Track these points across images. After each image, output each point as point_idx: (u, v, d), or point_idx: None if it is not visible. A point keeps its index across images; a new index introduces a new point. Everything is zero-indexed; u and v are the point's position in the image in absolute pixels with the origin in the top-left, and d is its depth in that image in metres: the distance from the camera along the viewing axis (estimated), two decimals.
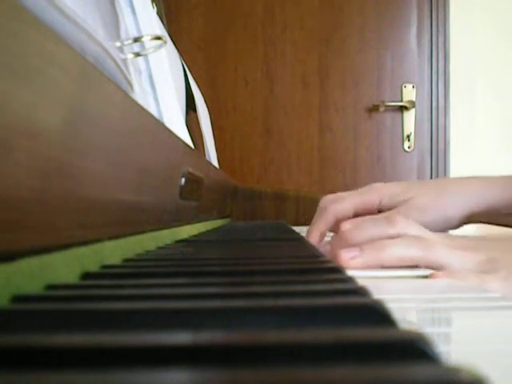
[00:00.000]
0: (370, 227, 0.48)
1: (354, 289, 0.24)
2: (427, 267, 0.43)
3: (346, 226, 0.50)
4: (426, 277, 0.41)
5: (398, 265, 0.44)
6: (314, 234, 0.64)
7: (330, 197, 0.67)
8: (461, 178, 0.70)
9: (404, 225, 0.47)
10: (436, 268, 0.43)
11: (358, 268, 0.43)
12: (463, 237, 0.48)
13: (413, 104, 2.00)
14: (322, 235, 0.64)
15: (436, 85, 2.02)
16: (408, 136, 2.01)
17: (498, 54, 2.02)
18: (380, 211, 0.64)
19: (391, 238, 0.46)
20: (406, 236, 0.46)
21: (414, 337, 0.14)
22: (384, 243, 0.45)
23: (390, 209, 0.64)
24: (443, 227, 0.64)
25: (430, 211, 0.63)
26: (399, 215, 0.49)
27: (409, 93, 2.01)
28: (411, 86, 2.02)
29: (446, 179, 0.70)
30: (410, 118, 2.02)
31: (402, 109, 2.02)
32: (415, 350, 0.14)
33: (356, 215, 0.63)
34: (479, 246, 0.45)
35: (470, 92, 2.02)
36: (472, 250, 0.44)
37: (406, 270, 0.43)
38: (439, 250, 0.44)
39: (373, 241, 0.46)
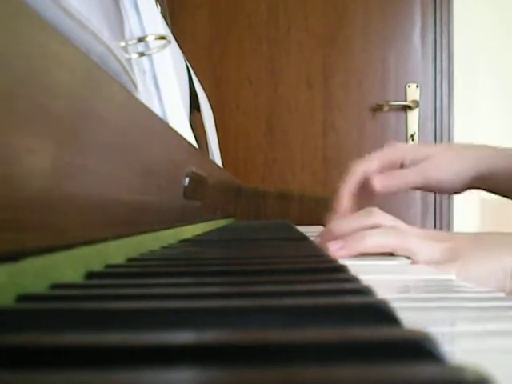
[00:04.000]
0: (351, 220, 0.54)
1: (358, 288, 0.24)
2: (402, 254, 0.49)
3: (332, 222, 0.57)
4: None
5: (376, 251, 0.49)
6: (346, 193, 0.71)
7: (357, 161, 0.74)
8: (477, 145, 0.75)
9: (380, 216, 0.53)
10: (409, 255, 0.48)
11: (344, 257, 0.48)
12: (434, 231, 0.53)
13: (417, 104, 2.00)
14: (353, 195, 0.71)
15: (440, 84, 2.02)
16: (412, 135, 2.01)
17: (502, 53, 2.02)
18: (402, 167, 0.71)
19: (371, 228, 0.51)
20: (383, 227, 0.51)
21: (419, 336, 0.14)
22: (364, 233, 0.50)
23: (412, 165, 0.71)
24: (456, 185, 0.71)
25: (449, 170, 0.70)
26: (376, 209, 0.54)
27: (413, 92, 2.01)
28: (415, 85, 2.01)
29: (464, 144, 0.76)
30: (413, 117, 2.02)
31: (406, 108, 2.01)
32: (420, 349, 0.14)
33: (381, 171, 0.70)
34: (446, 238, 0.49)
35: (473, 91, 2.02)
36: (439, 241, 0.49)
37: (387, 260, 0.48)
38: (412, 239, 0.49)
39: (355, 232, 0.51)
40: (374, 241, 0.49)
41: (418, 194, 2.00)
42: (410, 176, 0.70)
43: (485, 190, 0.75)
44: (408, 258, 0.49)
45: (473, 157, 0.70)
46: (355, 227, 0.52)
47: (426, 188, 0.72)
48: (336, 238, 0.51)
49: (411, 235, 0.49)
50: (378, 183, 0.68)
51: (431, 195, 2.01)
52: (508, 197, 0.74)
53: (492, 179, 0.70)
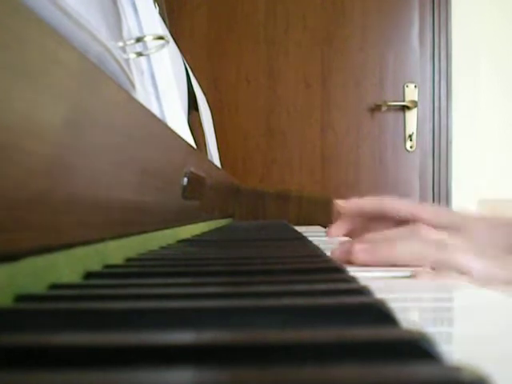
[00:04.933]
0: (391, 233, 0.47)
1: (356, 288, 0.24)
2: (444, 268, 0.41)
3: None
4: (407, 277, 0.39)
5: (408, 262, 0.41)
6: (353, 203, 0.63)
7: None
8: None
9: (427, 231, 0.45)
10: (454, 270, 0.40)
11: (366, 262, 0.42)
12: (464, 237, 0.46)
13: (415, 104, 2.00)
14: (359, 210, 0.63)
15: (438, 84, 2.02)
16: (410, 136, 2.01)
17: (501, 53, 2.02)
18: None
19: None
20: (425, 237, 0.43)
21: (417, 336, 0.15)
22: (393, 242, 0.43)
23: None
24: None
25: (481, 241, 0.57)
26: (425, 226, 0.46)
27: (411, 92, 2.01)
28: (413, 85, 2.01)
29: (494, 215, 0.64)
30: (412, 117, 2.02)
31: (404, 108, 2.01)
32: (418, 349, 0.14)
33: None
34: (504, 259, 0.42)
35: (472, 91, 2.02)
36: (494, 259, 0.41)
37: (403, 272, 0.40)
38: (456, 253, 0.41)
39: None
40: (405, 248, 0.42)
41: (417, 193, 2.00)
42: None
43: None
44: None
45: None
46: (391, 235, 0.45)
47: None
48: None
49: (456, 249, 0.41)
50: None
51: (429, 195, 2.01)
52: None
53: None
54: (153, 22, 0.70)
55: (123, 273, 0.33)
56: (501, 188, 1.99)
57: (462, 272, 0.40)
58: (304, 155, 2.03)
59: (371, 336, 0.15)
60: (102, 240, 0.36)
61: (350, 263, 0.43)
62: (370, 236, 0.47)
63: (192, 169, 0.64)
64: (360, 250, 0.42)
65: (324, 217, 1.39)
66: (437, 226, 0.52)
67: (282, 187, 1.86)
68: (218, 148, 1.45)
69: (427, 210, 0.58)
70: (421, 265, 0.41)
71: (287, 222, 1.20)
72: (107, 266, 0.35)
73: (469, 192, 2.00)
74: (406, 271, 0.40)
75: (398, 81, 2.02)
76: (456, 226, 0.55)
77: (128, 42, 0.50)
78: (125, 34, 0.51)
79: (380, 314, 0.19)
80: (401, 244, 0.42)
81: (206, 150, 1.22)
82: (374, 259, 0.42)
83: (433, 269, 0.41)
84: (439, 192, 2.00)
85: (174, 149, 0.57)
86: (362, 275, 0.38)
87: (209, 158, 1.19)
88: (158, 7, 0.88)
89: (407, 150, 2.01)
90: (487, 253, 0.43)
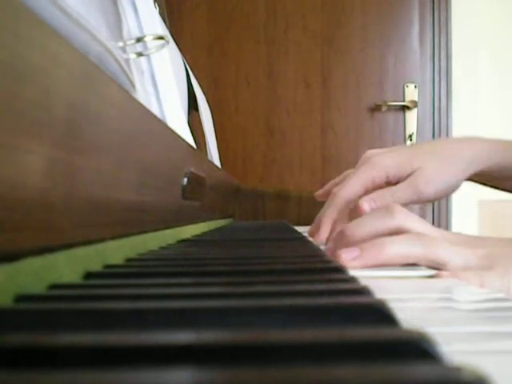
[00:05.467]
0: (369, 223, 0.47)
1: (356, 288, 0.24)
2: (428, 265, 0.43)
3: (347, 225, 0.49)
4: (429, 277, 0.40)
5: (398, 263, 0.43)
6: (327, 222, 0.64)
7: (335, 181, 0.67)
8: (462, 138, 0.70)
9: (403, 216, 0.46)
10: (438, 265, 0.42)
11: (359, 268, 0.42)
12: (463, 234, 0.48)
13: (415, 104, 2.00)
14: (336, 222, 0.64)
15: (438, 84, 2.02)
16: (410, 136, 2.01)
17: (500, 53, 2.02)
18: (388, 184, 0.66)
19: (391, 233, 0.45)
20: (407, 233, 0.45)
21: (417, 336, 0.15)
22: (383, 241, 0.43)
23: (398, 181, 0.65)
24: (448, 192, 0.66)
25: (438, 180, 0.64)
26: (398, 206, 0.48)
27: (411, 92, 2.01)
28: (413, 85, 2.02)
29: (448, 141, 0.70)
30: (412, 117, 2.02)
31: (404, 108, 2.01)
32: (418, 349, 0.14)
33: (366, 193, 0.64)
34: (480, 243, 0.44)
35: (472, 91, 2.02)
36: (472, 246, 0.43)
37: (409, 270, 0.42)
38: (441, 246, 0.43)
39: (373, 239, 0.45)
40: (395, 250, 0.42)
41: None
42: (400, 194, 0.65)
43: (484, 184, 0.71)
44: (434, 268, 0.42)
45: (465, 159, 0.65)
46: (374, 231, 0.46)
47: (418, 202, 0.68)
48: (351, 243, 0.45)
49: (440, 242, 0.43)
50: (368, 207, 0.62)
51: None
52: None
53: (493, 175, 0.66)
54: (153, 22, 0.70)
55: (123, 273, 0.33)
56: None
57: (444, 263, 0.42)
58: (304, 155, 2.03)
59: (371, 336, 0.15)
60: (102, 240, 0.36)
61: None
62: (350, 237, 0.47)
63: (192, 169, 0.64)
64: (350, 258, 0.43)
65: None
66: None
67: (282, 187, 1.86)
68: (218, 148, 1.45)
69: (380, 169, 0.65)
70: (409, 263, 0.43)
71: (287, 222, 1.20)
72: (107, 266, 0.35)
73: (468, 193, 2.00)
74: (425, 271, 0.41)
75: (398, 81, 2.02)
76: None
77: (128, 42, 0.50)
78: (125, 34, 0.51)
79: (380, 314, 0.19)
80: (389, 247, 0.43)
81: (206, 150, 1.22)
82: (365, 265, 0.43)
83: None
84: None
85: (174, 149, 0.57)
86: (379, 274, 0.40)
87: (209, 158, 1.19)
88: (158, 7, 0.88)
89: None
90: (459, 236, 0.46)
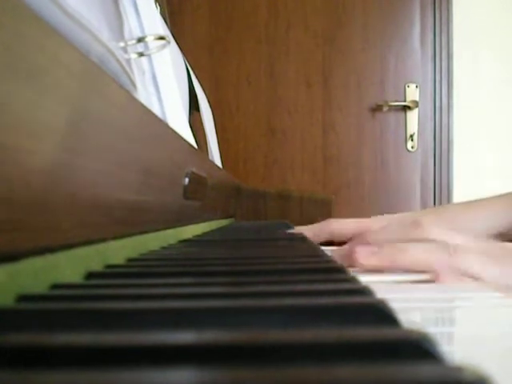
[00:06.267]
0: (394, 229, 0.45)
1: (357, 288, 0.24)
2: (453, 273, 0.39)
3: (370, 230, 0.46)
4: (429, 280, 0.39)
5: (417, 269, 0.40)
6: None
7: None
8: (482, 198, 0.63)
9: (429, 228, 0.43)
10: (464, 275, 0.39)
11: (374, 265, 0.40)
12: (505, 245, 0.44)
13: (416, 104, 2.00)
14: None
15: (439, 84, 2.02)
16: (411, 136, 2.01)
17: (502, 54, 2.02)
18: None
19: (415, 241, 0.42)
20: (431, 241, 0.42)
21: (418, 336, 0.14)
22: (405, 245, 0.40)
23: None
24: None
25: (459, 223, 0.57)
26: (426, 221, 0.44)
27: (412, 92, 2.01)
28: (414, 85, 2.01)
29: (469, 201, 0.64)
30: (413, 117, 2.02)
31: (406, 108, 2.01)
32: (419, 349, 0.14)
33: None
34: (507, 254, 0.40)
35: (473, 91, 2.02)
36: (506, 263, 0.39)
37: (410, 275, 0.40)
38: (468, 256, 0.39)
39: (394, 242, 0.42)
40: (417, 254, 0.39)
41: (418, 194, 2.00)
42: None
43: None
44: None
45: (492, 210, 0.58)
46: (397, 238, 0.43)
47: None
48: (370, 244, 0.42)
49: (468, 251, 0.39)
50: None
51: (430, 195, 2.01)
52: None
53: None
54: (154, 23, 0.70)
55: (124, 273, 0.33)
56: (502, 188, 1.99)
57: (474, 277, 0.38)
58: (305, 155, 2.03)
59: (372, 336, 0.15)
60: (104, 240, 0.36)
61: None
62: (371, 239, 0.45)
63: (193, 169, 0.65)
64: (366, 253, 0.40)
65: (325, 217, 1.39)
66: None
67: (284, 187, 1.86)
68: (219, 148, 1.45)
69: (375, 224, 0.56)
70: (431, 269, 0.39)
71: (288, 222, 1.20)
72: (108, 266, 0.35)
73: (470, 192, 2.00)
74: (427, 275, 0.39)
75: (399, 81, 2.02)
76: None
77: (129, 43, 0.50)
78: (126, 34, 0.51)
79: (381, 313, 0.19)
80: (412, 250, 0.39)
81: (207, 150, 1.22)
82: (381, 263, 0.40)
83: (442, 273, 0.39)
84: (440, 192, 2.00)
85: (176, 149, 0.57)
86: (382, 279, 0.38)
87: (210, 158, 1.19)
88: (159, 7, 0.88)
89: (408, 150, 2.01)
90: (491, 247, 0.42)
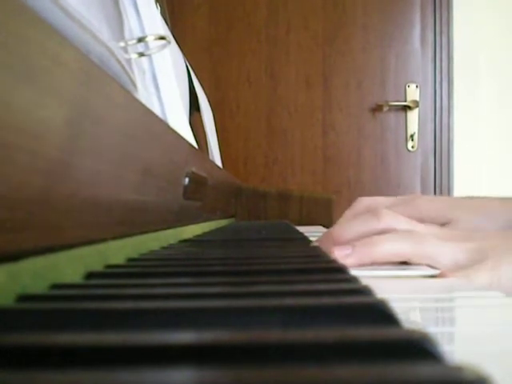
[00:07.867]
0: (357, 224, 0.47)
1: (357, 288, 0.24)
2: (420, 262, 0.43)
3: (333, 227, 0.49)
4: (430, 276, 0.40)
5: (390, 260, 0.43)
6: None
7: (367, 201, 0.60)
8: (494, 197, 0.62)
9: (390, 218, 0.46)
10: (428, 261, 0.42)
11: (352, 266, 0.42)
12: (454, 229, 0.47)
13: (416, 104, 2.00)
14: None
15: (440, 84, 2.02)
16: (412, 136, 2.01)
17: (502, 53, 2.02)
18: None
19: (379, 233, 0.45)
20: (396, 231, 0.45)
21: (418, 336, 0.14)
22: (375, 239, 0.44)
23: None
24: None
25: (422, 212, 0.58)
26: (385, 209, 0.47)
27: (412, 92, 2.01)
28: (415, 85, 2.01)
29: (480, 197, 0.63)
30: (413, 117, 2.02)
31: (406, 108, 2.01)
32: (419, 349, 0.14)
33: None
34: (470, 237, 0.44)
35: (473, 91, 2.02)
36: (462, 240, 0.43)
37: (409, 270, 0.42)
38: (430, 242, 0.42)
39: (362, 238, 0.45)
40: (386, 248, 0.43)
41: (418, 193, 1.99)
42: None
43: None
44: (432, 266, 0.42)
45: (502, 218, 0.56)
46: (361, 233, 0.46)
47: None
48: (337, 244, 0.45)
49: (429, 238, 0.43)
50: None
51: (431, 191, 2.01)
52: None
53: None
54: (154, 23, 0.70)
55: (125, 273, 0.33)
56: (502, 188, 1.99)
57: (434, 261, 0.42)
58: (305, 155, 2.03)
59: (373, 336, 0.15)
60: (104, 240, 0.36)
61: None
62: (339, 232, 0.47)
63: (193, 169, 0.65)
64: (343, 256, 0.43)
65: (326, 217, 1.39)
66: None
67: (284, 187, 1.86)
68: (220, 148, 1.45)
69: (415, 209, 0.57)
70: (398, 261, 0.43)
71: (289, 222, 1.20)
72: (109, 266, 0.35)
73: (470, 192, 2.00)
74: (429, 271, 0.41)
75: (399, 81, 2.02)
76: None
77: (130, 43, 0.50)
78: (126, 34, 0.51)
79: (382, 313, 0.19)
80: (381, 245, 0.43)
81: (207, 150, 1.22)
82: (358, 263, 0.43)
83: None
84: (441, 192, 2.00)
85: (176, 149, 0.57)
86: (379, 274, 0.40)
87: (210, 158, 1.19)
88: (159, 7, 0.88)
89: (409, 150, 2.01)
90: (449, 231, 0.45)
